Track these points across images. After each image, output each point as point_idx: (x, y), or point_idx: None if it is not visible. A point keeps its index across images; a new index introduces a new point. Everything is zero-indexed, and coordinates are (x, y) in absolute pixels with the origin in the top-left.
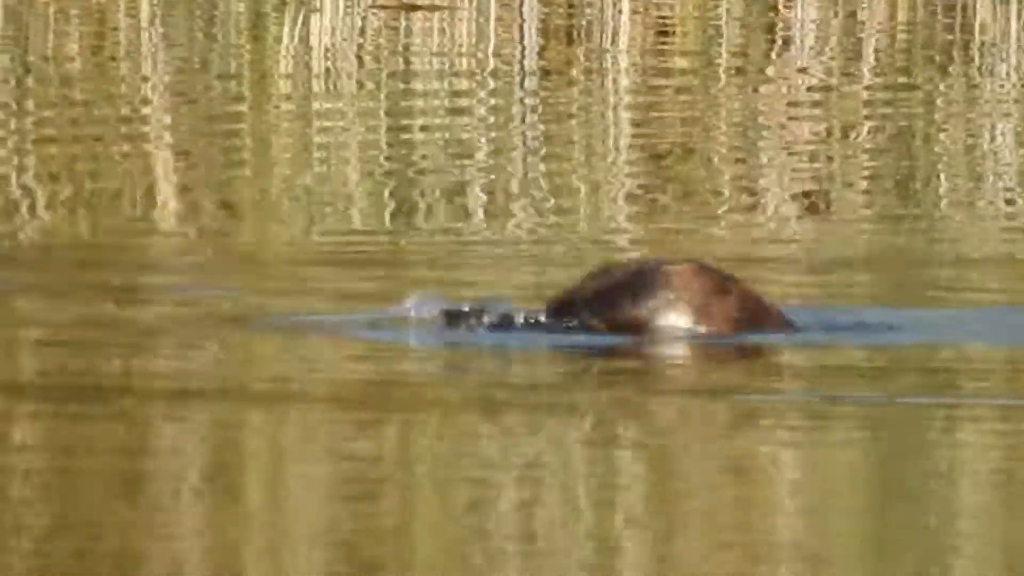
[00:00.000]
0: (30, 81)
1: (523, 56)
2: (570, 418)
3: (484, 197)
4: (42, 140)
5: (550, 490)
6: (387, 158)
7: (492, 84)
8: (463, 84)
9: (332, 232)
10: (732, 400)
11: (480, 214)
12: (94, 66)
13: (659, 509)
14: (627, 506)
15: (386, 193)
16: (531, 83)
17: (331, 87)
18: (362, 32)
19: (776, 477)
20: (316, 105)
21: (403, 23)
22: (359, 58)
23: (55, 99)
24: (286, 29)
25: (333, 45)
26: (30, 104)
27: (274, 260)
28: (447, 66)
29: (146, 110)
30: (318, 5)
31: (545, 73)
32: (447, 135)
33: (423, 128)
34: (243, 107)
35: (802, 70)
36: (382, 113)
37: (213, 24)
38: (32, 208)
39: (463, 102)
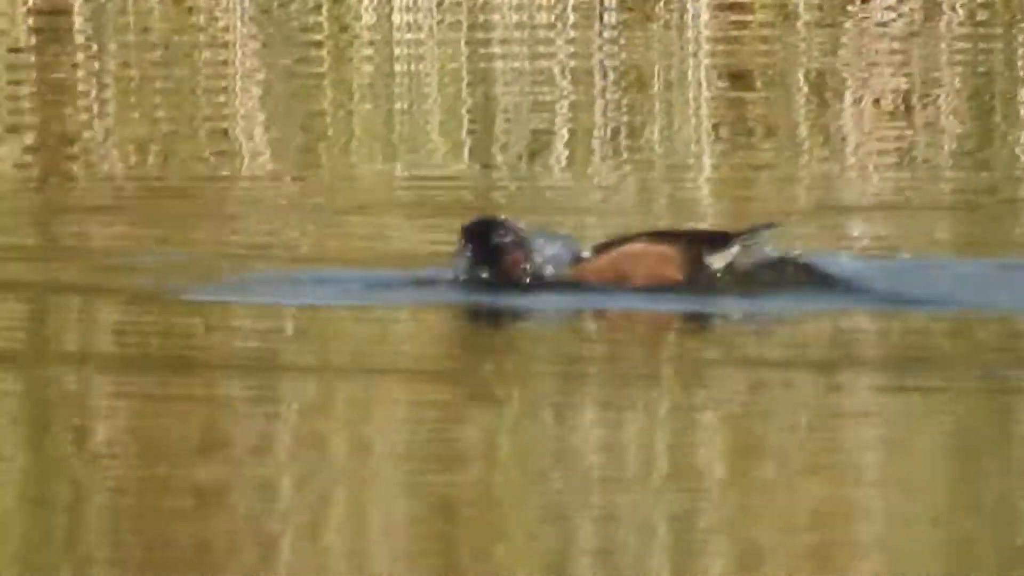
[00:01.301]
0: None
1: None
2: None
3: (565, 136)
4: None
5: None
6: (469, 93)
7: (572, 19)
8: (543, 17)
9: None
10: None
11: (562, 154)
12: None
13: None
14: None
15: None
16: (611, 19)
17: (412, 21)
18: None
19: None
20: (397, 35)
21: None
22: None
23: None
24: None
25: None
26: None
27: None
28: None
29: (228, 43)
30: None
31: (626, 11)
32: (527, 65)
33: (503, 56)
34: (322, 44)
35: (881, 24)
36: (463, 45)
37: None
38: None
39: (543, 34)
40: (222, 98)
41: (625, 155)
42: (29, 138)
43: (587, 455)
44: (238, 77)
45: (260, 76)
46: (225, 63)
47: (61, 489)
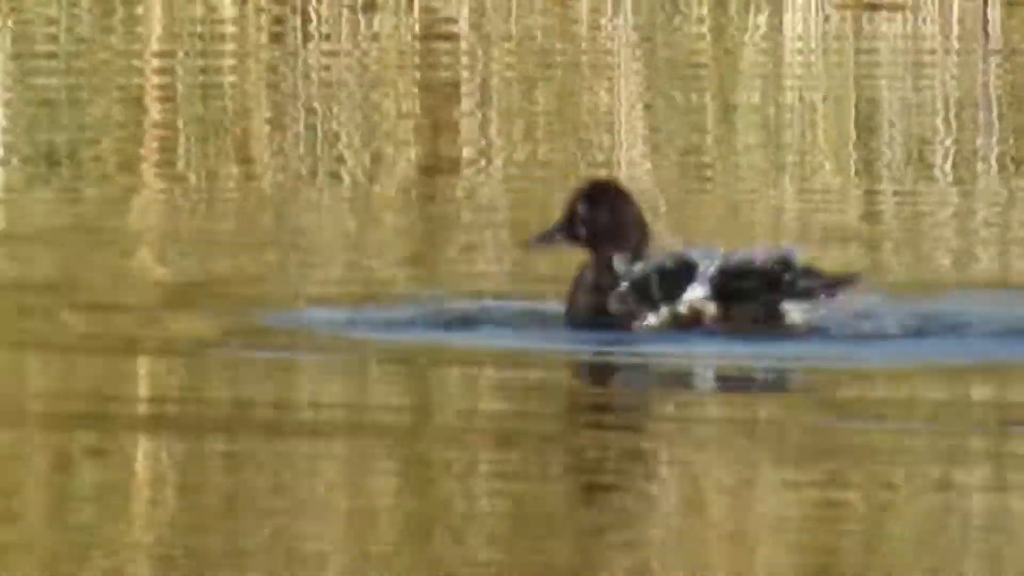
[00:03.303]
0: None
1: (987, 38)
2: None
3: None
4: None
5: None
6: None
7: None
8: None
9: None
10: None
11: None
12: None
13: None
14: None
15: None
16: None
17: (799, 72)
18: (825, 28)
19: None
20: (788, 82)
21: (865, 22)
22: (824, 52)
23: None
24: (750, 19)
25: (798, 38)
26: None
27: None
28: (909, 60)
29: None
30: (786, 5)
31: (1011, 53)
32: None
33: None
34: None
35: None
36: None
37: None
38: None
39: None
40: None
41: (1012, 176)
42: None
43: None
44: (621, 114)
45: (641, 102)
46: (608, 87)
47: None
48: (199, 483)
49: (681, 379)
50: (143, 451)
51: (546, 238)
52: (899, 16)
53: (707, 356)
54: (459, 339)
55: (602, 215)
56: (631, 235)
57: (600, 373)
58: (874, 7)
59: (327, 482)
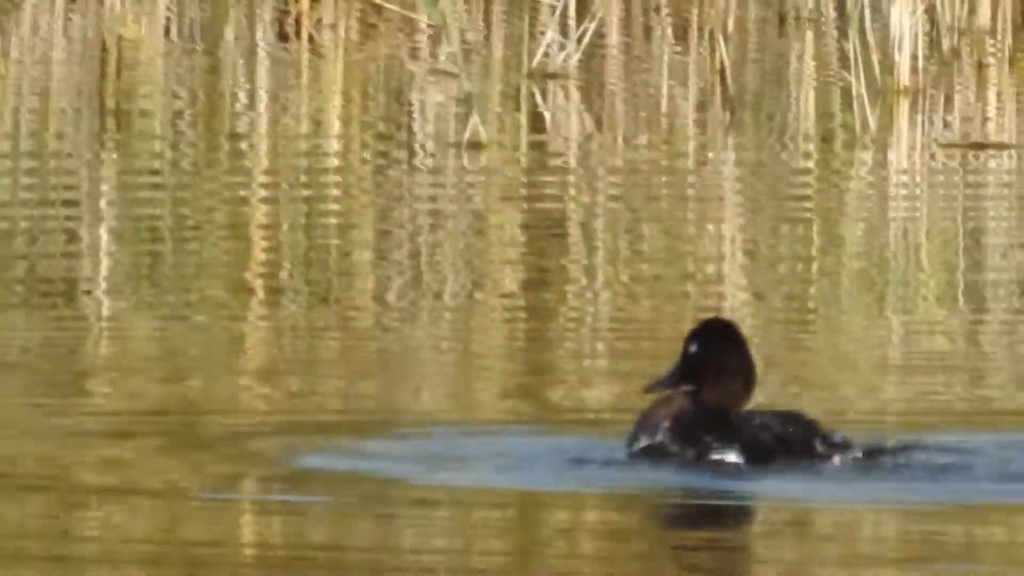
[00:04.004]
0: None
1: None
2: None
3: None
4: None
5: None
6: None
7: None
8: None
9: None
10: None
11: None
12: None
13: None
14: None
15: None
16: None
17: (904, 206)
18: (931, 165)
19: None
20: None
21: (971, 164)
22: (929, 187)
23: None
24: (856, 155)
25: (903, 172)
26: None
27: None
28: (1014, 195)
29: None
30: (891, 141)
31: None
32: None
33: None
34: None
35: None
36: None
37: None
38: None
39: None
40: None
41: None
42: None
43: None
44: (726, 247)
45: (745, 235)
46: (714, 221)
47: None
48: None
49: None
50: None
51: (664, 383)
52: (1004, 155)
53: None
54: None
55: (712, 355)
56: (738, 379)
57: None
58: (980, 147)
59: None
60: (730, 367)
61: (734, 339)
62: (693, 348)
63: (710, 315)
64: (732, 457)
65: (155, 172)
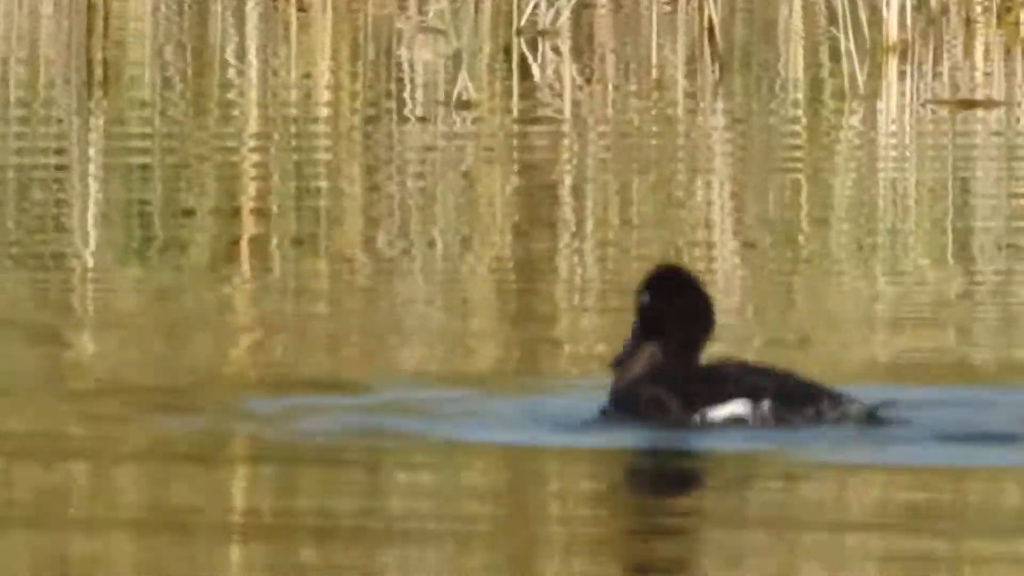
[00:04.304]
0: None
1: None
2: None
3: None
4: None
5: None
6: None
7: None
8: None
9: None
10: None
11: None
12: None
13: None
14: None
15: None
16: None
17: (892, 155)
18: (919, 117)
19: None
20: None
21: (960, 119)
22: (918, 139)
23: None
24: (845, 110)
25: (892, 122)
26: None
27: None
28: (1006, 161)
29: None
30: (880, 98)
31: None
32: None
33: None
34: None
35: None
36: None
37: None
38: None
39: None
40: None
41: None
42: None
43: None
44: (715, 197)
45: (734, 183)
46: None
47: None
48: None
49: None
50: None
51: (627, 353)
52: (994, 112)
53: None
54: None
55: (666, 303)
56: (698, 321)
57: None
58: (968, 104)
59: None
60: (686, 311)
61: (684, 282)
62: (645, 300)
63: (658, 264)
64: (740, 409)
65: (145, 121)
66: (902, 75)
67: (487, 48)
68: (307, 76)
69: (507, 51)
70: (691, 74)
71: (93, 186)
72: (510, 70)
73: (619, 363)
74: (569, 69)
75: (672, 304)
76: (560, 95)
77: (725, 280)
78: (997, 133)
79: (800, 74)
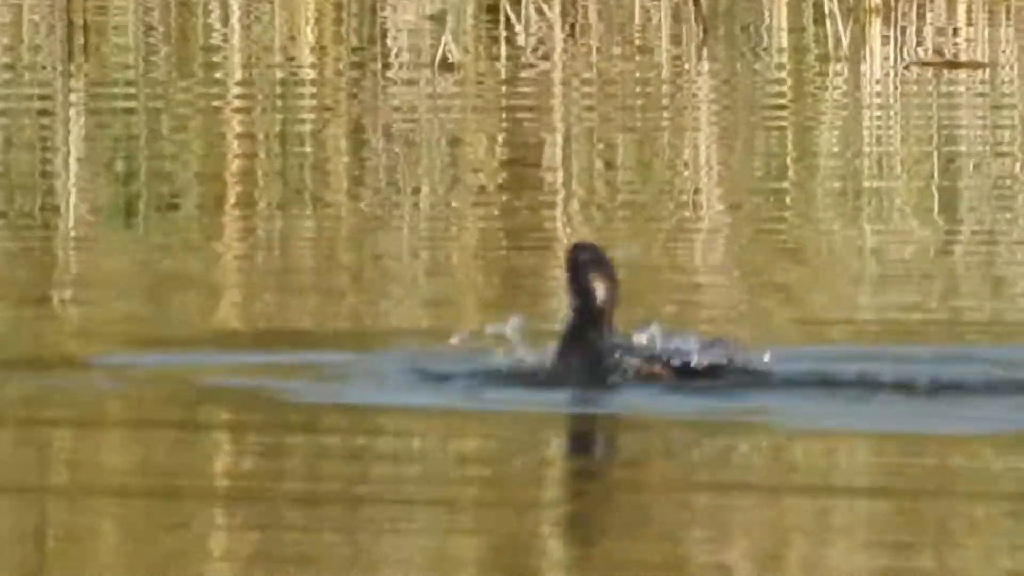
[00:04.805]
0: None
1: None
2: None
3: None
4: None
5: None
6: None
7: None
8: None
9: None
10: None
11: None
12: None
13: None
14: None
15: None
16: None
17: (877, 115)
18: (904, 77)
19: None
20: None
21: (944, 80)
22: (903, 97)
23: None
24: (829, 70)
25: (876, 82)
26: None
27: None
28: (990, 123)
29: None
30: (863, 58)
31: None
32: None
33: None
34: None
35: None
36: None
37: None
38: None
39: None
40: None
41: None
42: None
43: None
44: (700, 155)
45: (718, 140)
46: (690, 129)
47: None
48: None
49: None
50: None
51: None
52: (979, 73)
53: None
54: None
55: (574, 280)
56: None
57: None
58: (952, 65)
59: None
60: (593, 286)
61: (592, 258)
62: (571, 278)
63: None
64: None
65: (128, 83)
66: (885, 37)
67: (470, 8)
68: (291, 38)
69: (491, 11)
70: (676, 34)
71: (76, 149)
72: (495, 31)
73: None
74: (557, 31)
75: (578, 282)
76: (546, 57)
77: (709, 235)
78: (981, 94)
79: (784, 34)
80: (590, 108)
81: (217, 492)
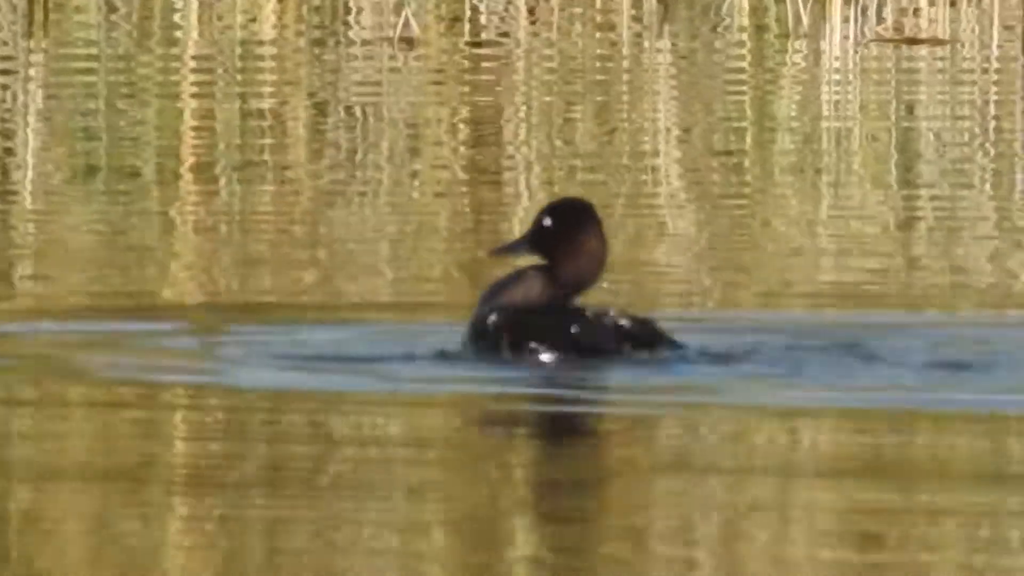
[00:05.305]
0: None
1: None
2: None
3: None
4: None
5: None
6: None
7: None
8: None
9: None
10: None
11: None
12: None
13: None
14: None
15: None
16: None
17: (836, 91)
18: (864, 53)
19: None
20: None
21: (905, 56)
22: (863, 73)
23: None
24: (790, 47)
25: (835, 72)
26: None
27: None
28: (949, 98)
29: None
30: (823, 35)
31: None
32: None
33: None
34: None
35: None
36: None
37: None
38: None
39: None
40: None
41: None
42: None
43: None
44: (660, 132)
45: (680, 121)
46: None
47: None
48: None
49: None
50: None
51: (511, 249)
52: (939, 50)
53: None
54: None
55: (568, 232)
56: (593, 259)
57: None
58: (913, 41)
59: None
60: (586, 246)
61: (591, 219)
62: (547, 222)
63: (568, 196)
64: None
65: (89, 58)
66: (845, 13)
67: None
68: (252, 19)
69: None
70: (637, 13)
71: (35, 122)
72: (458, 4)
73: (500, 252)
74: (513, 7)
75: (572, 237)
76: (506, 33)
77: (669, 206)
78: (941, 71)
79: (745, 11)
80: (550, 86)
81: None
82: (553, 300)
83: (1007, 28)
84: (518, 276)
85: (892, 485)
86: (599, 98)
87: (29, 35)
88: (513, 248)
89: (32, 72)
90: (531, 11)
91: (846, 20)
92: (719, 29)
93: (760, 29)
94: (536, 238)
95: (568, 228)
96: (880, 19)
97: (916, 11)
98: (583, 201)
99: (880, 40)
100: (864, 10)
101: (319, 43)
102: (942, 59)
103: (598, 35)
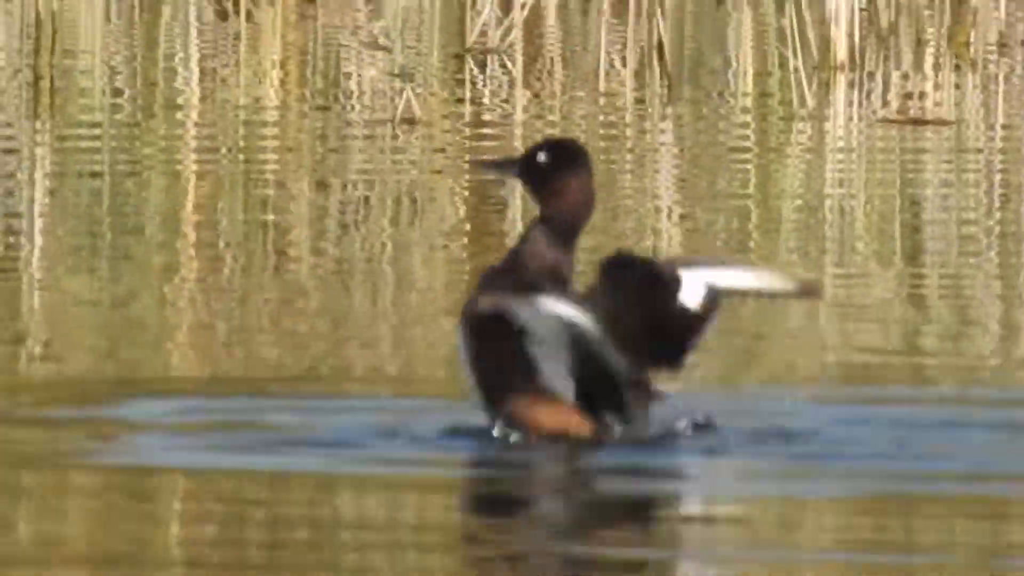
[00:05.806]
0: None
1: None
2: None
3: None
4: None
5: None
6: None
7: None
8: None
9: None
10: None
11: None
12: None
13: None
14: None
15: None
16: None
17: (840, 168)
18: (869, 133)
19: None
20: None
21: (911, 137)
22: (868, 152)
23: None
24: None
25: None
26: None
27: None
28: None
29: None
30: (828, 116)
31: None
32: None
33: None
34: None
35: None
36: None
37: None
38: None
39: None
40: None
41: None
42: None
43: None
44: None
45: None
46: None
47: None
48: None
49: None
50: None
51: (498, 166)
52: (945, 130)
53: None
54: None
55: (561, 170)
56: (581, 200)
57: None
58: (919, 122)
59: None
60: (578, 185)
61: (584, 164)
62: (541, 157)
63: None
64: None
65: (94, 138)
66: (850, 95)
67: (435, 64)
68: (258, 80)
69: (455, 69)
70: (639, 94)
71: (40, 196)
72: (459, 87)
73: (488, 166)
74: (517, 88)
75: (563, 177)
76: (510, 116)
77: None
78: (947, 151)
79: (749, 91)
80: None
81: None
82: (558, 260)
83: (1011, 107)
84: (522, 241)
85: None
86: (601, 178)
87: (35, 116)
88: (501, 166)
89: (38, 152)
90: (536, 95)
91: (850, 103)
92: (722, 111)
93: (764, 108)
94: (527, 167)
95: (561, 168)
96: (885, 102)
97: (922, 95)
98: (580, 144)
99: (885, 121)
100: (868, 93)
101: (321, 120)
102: (947, 140)
103: (601, 118)
